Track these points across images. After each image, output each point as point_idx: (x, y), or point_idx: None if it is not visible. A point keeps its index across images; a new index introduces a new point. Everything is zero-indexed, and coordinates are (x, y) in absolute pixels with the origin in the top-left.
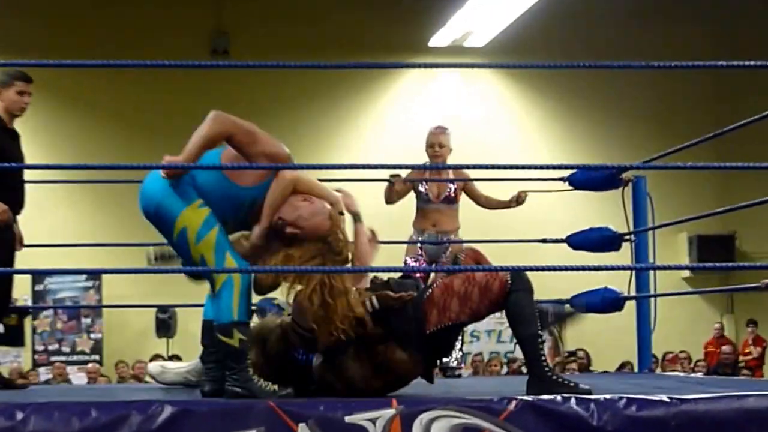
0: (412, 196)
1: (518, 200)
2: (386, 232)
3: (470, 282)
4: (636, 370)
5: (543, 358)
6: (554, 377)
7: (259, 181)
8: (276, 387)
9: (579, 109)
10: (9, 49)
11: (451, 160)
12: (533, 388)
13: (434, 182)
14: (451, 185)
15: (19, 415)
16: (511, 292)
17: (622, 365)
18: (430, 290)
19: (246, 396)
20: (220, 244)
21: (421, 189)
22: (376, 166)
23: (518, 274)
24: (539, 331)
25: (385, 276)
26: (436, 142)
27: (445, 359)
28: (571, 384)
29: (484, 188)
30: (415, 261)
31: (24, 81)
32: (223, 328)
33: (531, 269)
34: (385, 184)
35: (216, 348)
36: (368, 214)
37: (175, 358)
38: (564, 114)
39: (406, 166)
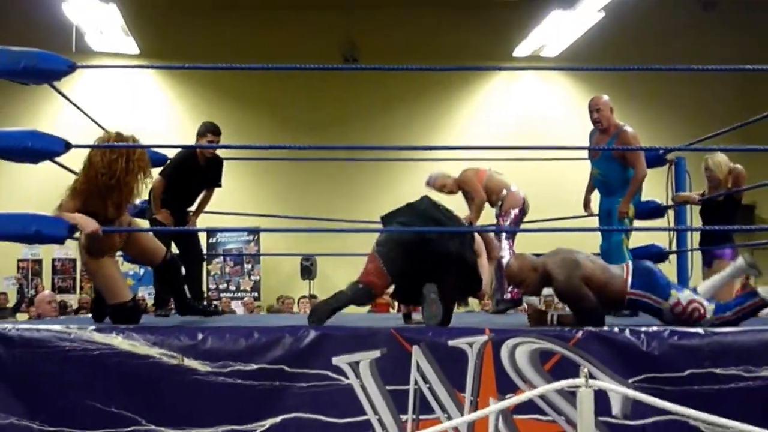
0: None
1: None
2: None
3: None
4: None
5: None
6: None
7: None
8: None
9: (633, 104)
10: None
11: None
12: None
13: None
14: None
15: (200, 336)
16: None
17: None
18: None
19: None
20: None
21: None
22: (474, 148)
23: None
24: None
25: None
26: None
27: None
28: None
29: (561, 169)
30: None
31: (213, 134)
32: None
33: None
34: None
35: None
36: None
37: (314, 297)
38: (621, 107)
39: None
